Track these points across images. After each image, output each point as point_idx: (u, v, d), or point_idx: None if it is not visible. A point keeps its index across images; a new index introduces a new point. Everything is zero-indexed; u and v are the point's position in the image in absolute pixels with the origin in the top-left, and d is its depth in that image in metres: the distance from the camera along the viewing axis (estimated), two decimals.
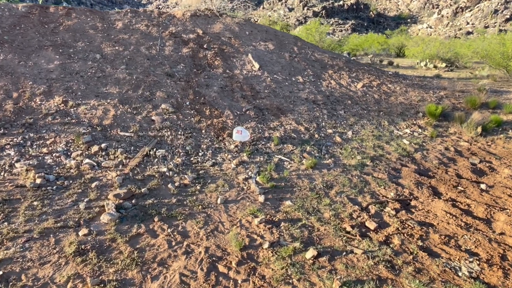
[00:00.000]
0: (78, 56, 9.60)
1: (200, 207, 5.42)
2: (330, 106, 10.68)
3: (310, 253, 4.38)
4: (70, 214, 4.87)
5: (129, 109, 8.07)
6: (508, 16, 59.37)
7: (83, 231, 4.50)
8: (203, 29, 12.82)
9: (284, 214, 5.44)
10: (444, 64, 24.27)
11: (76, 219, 4.77)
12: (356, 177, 7.02)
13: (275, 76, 11.52)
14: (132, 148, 6.91)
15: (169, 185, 5.91)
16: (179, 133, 7.70)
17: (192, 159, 6.98)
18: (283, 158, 7.50)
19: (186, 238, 4.64)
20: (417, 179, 7.22)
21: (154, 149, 6.93)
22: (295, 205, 5.73)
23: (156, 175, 6.19)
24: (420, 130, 10.21)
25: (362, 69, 14.04)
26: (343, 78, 12.75)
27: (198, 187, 6.01)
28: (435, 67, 24.14)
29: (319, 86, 11.74)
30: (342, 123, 9.88)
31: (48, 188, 5.45)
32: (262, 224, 5.08)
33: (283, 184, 6.44)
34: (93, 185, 5.66)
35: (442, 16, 69.91)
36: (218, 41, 12.48)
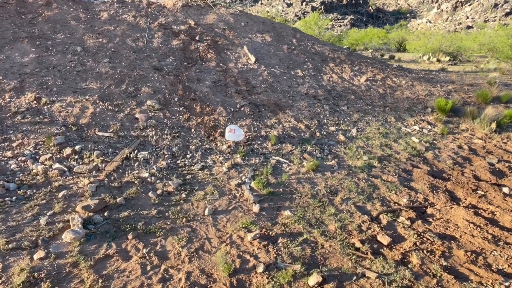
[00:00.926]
0: (56, 49, 8.77)
1: (184, 219, 4.64)
2: (332, 101, 9.89)
3: (314, 279, 3.61)
4: (27, 232, 4.08)
5: (110, 106, 7.26)
6: (508, 10, 58.45)
7: (40, 253, 3.72)
8: (195, 20, 11.98)
9: (283, 227, 4.66)
10: (447, 58, 23.49)
11: (33, 238, 3.99)
12: (364, 180, 6.25)
13: (272, 69, 10.71)
14: (110, 150, 6.11)
15: (150, 193, 5.13)
16: (165, 132, 6.91)
17: (178, 162, 6.19)
18: (281, 159, 6.72)
19: (165, 261, 3.86)
20: (431, 182, 6.45)
21: (136, 151, 6.14)
22: (295, 215, 4.95)
23: (136, 182, 5.40)
24: (429, 127, 9.43)
25: (365, 62, 13.23)
26: (345, 72, 11.94)
27: (183, 195, 5.22)
28: (438, 61, 23.36)
29: (320, 80, 10.94)
30: (346, 120, 9.09)
31: (6, 199, 4.65)
32: (256, 240, 4.30)
33: (281, 190, 5.66)
34: (60, 194, 4.87)
35: (442, 10, 68.95)
36: (211, 32, 11.65)
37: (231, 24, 12.63)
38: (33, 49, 8.48)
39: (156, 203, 4.97)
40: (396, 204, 5.59)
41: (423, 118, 9.96)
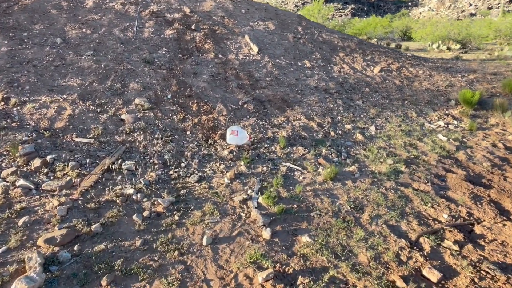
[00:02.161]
0: (33, 41, 7.71)
1: (176, 253, 3.64)
2: (345, 95, 8.83)
3: None
4: None
5: (91, 107, 6.23)
6: None
7: None
8: (190, 7, 10.86)
9: (301, 260, 3.67)
10: (458, 46, 22.31)
11: None
12: (392, 190, 5.23)
13: (277, 60, 9.64)
14: (89, 160, 5.10)
15: (135, 216, 4.13)
16: (156, 136, 5.89)
17: (171, 172, 5.18)
18: (293, 166, 5.70)
19: None
20: (471, 191, 5.44)
21: (120, 161, 5.13)
22: (316, 242, 3.95)
23: (118, 201, 4.40)
24: (455, 122, 8.38)
25: (378, 51, 12.12)
26: (357, 62, 10.85)
27: (176, 217, 4.22)
28: (448, 49, 22.19)
29: (330, 72, 9.86)
30: (362, 116, 8.04)
31: None
32: (270, 282, 3.31)
33: (295, 206, 4.65)
34: (20, 221, 3.87)
35: None
36: (209, 21, 10.54)
37: (231, 11, 11.51)
38: (5, 42, 7.42)
39: (142, 230, 3.97)
40: (436, 222, 4.58)
41: (447, 112, 8.91)
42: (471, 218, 4.75)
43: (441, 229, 4.41)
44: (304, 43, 11.13)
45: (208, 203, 4.57)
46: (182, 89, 7.40)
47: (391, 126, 7.75)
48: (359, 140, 6.98)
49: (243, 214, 4.40)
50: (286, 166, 5.70)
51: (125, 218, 4.14)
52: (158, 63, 8.11)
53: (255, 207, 4.51)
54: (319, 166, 5.79)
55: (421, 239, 4.17)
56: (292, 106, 7.76)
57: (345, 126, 7.43)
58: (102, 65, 7.42)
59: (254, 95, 7.73)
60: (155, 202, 4.45)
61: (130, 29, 9.03)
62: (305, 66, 9.82)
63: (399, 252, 3.90)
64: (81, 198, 4.36)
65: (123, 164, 5.09)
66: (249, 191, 4.89)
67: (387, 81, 10.08)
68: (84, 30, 8.55)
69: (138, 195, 4.52)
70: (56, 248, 3.53)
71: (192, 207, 4.46)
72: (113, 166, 4.95)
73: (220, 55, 9.14)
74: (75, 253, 3.52)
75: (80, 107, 6.16)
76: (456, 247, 4.05)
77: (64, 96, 6.34)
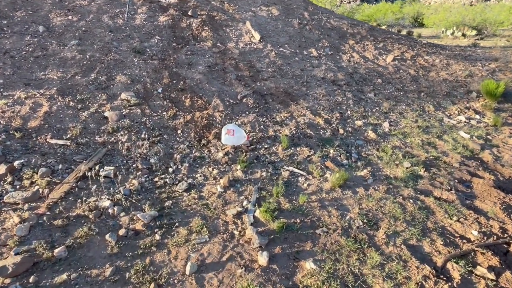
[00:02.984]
0: (12, 30, 7.05)
1: (152, 285, 3.01)
2: (356, 87, 8.05)
3: None
4: None
5: (71, 102, 5.58)
6: None
7: None
8: None
9: None
10: (474, 32, 21.15)
11: None
12: (411, 200, 4.53)
13: (281, 49, 8.85)
14: (63, 165, 4.47)
15: (108, 236, 3.50)
16: (142, 136, 5.23)
17: (156, 179, 4.53)
18: (296, 171, 5.01)
19: None
20: (503, 200, 4.71)
21: (98, 166, 4.49)
22: (322, 269, 3.29)
23: (91, 216, 3.77)
24: (477, 117, 7.57)
25: (390, 38, 11.22)
26: (368, 50, 10.00)
27: (157, 236, 3.59)
28: (463, 35, 21.06)
29: (338, 61, 9.06)
30: (374, 110, 7.28)
31: None
32: None
33: (298, 220, 3.99)
34: None
35: None
36: (207, 6, 9.75)
37: None
38: None
39: (115, 253, 3.35)
40: (464, 241, 3.88)
41: (467, 105, 8.09)
42: (506, 236, 4.04)
43: (472, 250, 3.71)
44: (310, 30, 10.29)
45: (196, 217, 3.92)
46: (174, 81, 6.70)
47: (407, 122, 6.99)
48: (371, 138, 6.25)
49: (236, 232, 3.75)
50: (288, 170, 5.01)
51: (97, 238, 3.51)
52: (150, 53, 7.40)
53: (251, 223, 3.86)
54: (326, 170, 5.09)
55: (448, 265, 3.49)
56: (297, 100, 7.02)
57: (356, 122, 6.69)
58: (87, 56, 6.74)
59: (255, 88, 7.00)
60: (134, 218, 3.81)
61: (120, 16, 8.31)
62: (312, 55, 9.03)
63: (423, 282, 3.22)
64: (48, 213, 3.74)
65: (101, 170, 4.45)
66: (245, 202, 4.23)
67: (401, 71, 9.25)
68: (70, 17, 7.85)
69: (115, 209, 3.89)
70: (7, 281, 2.93)
71: (177, 223, 3.82)
72: (90, 173, 4.31)
73: (218, 44, 8.39)
74: (30, 286, 2.91)
75: (58, 103, 5.51)
76: (491, 276, 3.36)
77: (42, 91, 5.69)
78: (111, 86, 6.16)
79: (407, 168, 5.36)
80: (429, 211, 4.38)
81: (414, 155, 5.80)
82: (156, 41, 7.86)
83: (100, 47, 7.11)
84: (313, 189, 4.63)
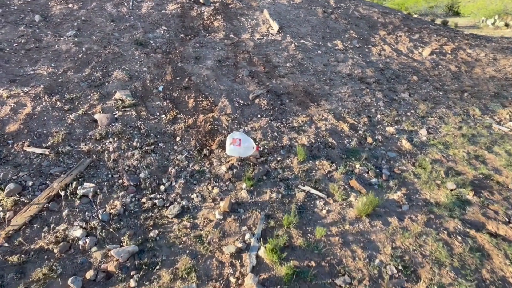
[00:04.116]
0: (7, 19, 6.47)
1: None
2: (387, 85, 6.99)
3: None
4: None
5: (58, 103, 4.92)
6: None
7: None
8: None
9: None
10: None
11: None
12: (459, 237, 3.57)
13: (302, 41, 7.88)
14: (36, 180, 3.81)
15: (70, 282, 2.79)
16: (134, 144, 4.49)
17: (144, 200, 3.78)
18: (313, 191, 4.13)
19: None
20: None
21: (75, 183, 3.79)
22: None
23: (56, 250, 3.07)
24: None
25: (427, 28, 9.95)
26: (401, 42, 8.83)
27: (132, 283, 2.84)
28: (506, 25, 19.19)
29: (367, 55, 7.98)
30: (409, 114, 6.23)
31: None
32: None
33: (313, 263, 3.13)
34: None
35: None
36: None
37: None
38: None
39: None
40: None
41: None
42: None
43: None
44: (336, 19, 9.21)
45: (185, 256, 3.14)
46: (178, 78, 5.92)
47: (448, 129, 5.91)
48: (405, 149, 5.25)
49: (232, 280, 2.94)
50: (304, 191, 4.14)
51: (57, 283, 2.80)
52: (153, 45, 6.64)
53: (253, 266, 3.04)
54: (351, 192, 4.18)
55: None
56: (318, 100, 6.08)
57: (387, 128, 5.69)
58: (84, 48, 6.06)
59: (270, 87, 6.11)
60: (108, 254, 3.08)
61: (125, 4, 7.59)
62: (337, 48, 7.99)
63: None
64: (6, 244, 3.07)
65: (80, 187, 3.75)
66: (247, 235, 3.41)
67: (440, 66, 8.06)
68: (70, 5, 7.20)
69: (88, 240, 3.17)
70: None
71: (161, 263, 3.05)
72: (65, 192, 3.61)
73: (231, 35, 7.52)
74: None
75: (43, 103, 4.85)
76: None
77: (27, 88, 5.05)
78: (106, 84, 5.45)
79: (451, 190, 4.36)
80: (483, 254, 3.40)
81: (459, 172, 4.77)
82: (162, 31, 7.09)
83: (99, 39, 6.42)
84: (333, 218, 3.75)
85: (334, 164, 4.64)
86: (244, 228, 3.51)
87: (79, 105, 4.98)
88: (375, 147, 5.21)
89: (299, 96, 6.10)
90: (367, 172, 4.62)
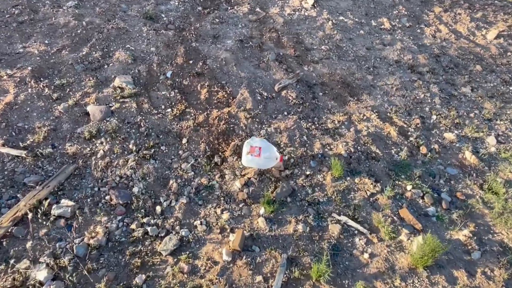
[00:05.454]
0: None
1: None
2: (444, 76, 5.73)
3: None
4: None
5: (46, 89, 4.12)
6: None
7: None
8: None
9: None
10: None
11: None
12: None
13: (341, 18, 6.63)
14: (5, 192, 3.07)
15: None
16: (130, 146, 3.65)
17: (133, 226, 2.97)
18: (352, 224, 3.17)
19: None
20: None
21: (51, 198, 3.02)
22: None
23: None
24: None
25: (492, 5, 8.30)
26: (461, 22, 7.36)
27: None
28: None
29: (419, 37, 6.65)
30: (471, 115, 5.00)
31: None
32: None
33: None
34: None
35: None
36: None
37: None
38: None
39: None
40: None
41: None
42: None
43: None
44: None
45: None
46: (191, 62, 4.96)
47: None
48: (469, 164, 4.13)
49: None
50: (339, 222, 3.19)
51: None
52: (165, 19, 5.66)
53: None
54: (401, 227, 3.19)
55: None
56: (358, 94, 4.97)
57: (445, 134, 4.54)
58: (84, 23, 5.18)
59: (300, 75, 5.04)
60: None
61: None
62: (382, 27, 6.69)
63: None
64: None
65: (56, 205, 2.97)
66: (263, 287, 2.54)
67: (509, 53, 6.61)
68: None
69: (53, 287, 2.41)
70: None
71: None
72: (34, 212, 2.85)
73: (257, 9, 6.39)
74: None
75: (29, 89, 4.07)
76: None
77: (13, 71, 4.28)
78: (105, 67, 4.58)
79: None
80: None
81: None
82: (177, 3, 6.07)
83: (102, 11, 5.51)
84: (378, 267, 2.80)
85: (378, 184, 3.62)
86: (259, 278, 2.64)
87: (70, 93, 4.16)
88: (431, 160, 4.12)
89: (336, 88, 5.01)
90: (422, 197, 3.58)
